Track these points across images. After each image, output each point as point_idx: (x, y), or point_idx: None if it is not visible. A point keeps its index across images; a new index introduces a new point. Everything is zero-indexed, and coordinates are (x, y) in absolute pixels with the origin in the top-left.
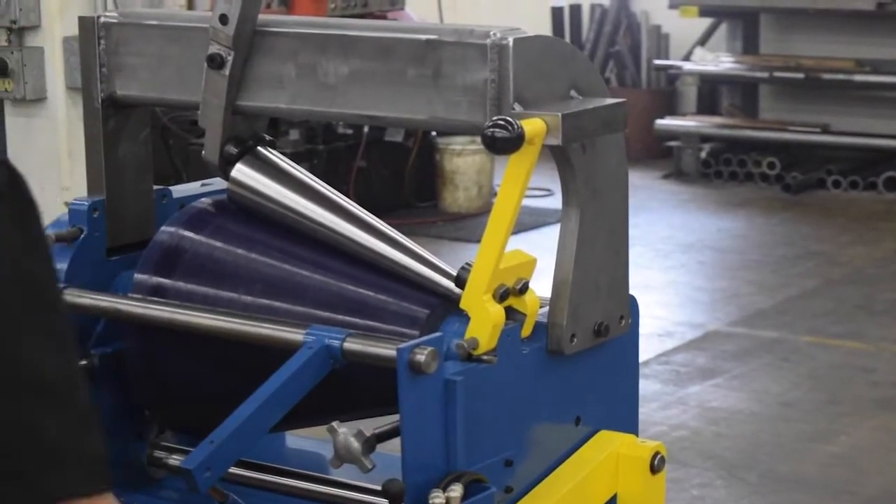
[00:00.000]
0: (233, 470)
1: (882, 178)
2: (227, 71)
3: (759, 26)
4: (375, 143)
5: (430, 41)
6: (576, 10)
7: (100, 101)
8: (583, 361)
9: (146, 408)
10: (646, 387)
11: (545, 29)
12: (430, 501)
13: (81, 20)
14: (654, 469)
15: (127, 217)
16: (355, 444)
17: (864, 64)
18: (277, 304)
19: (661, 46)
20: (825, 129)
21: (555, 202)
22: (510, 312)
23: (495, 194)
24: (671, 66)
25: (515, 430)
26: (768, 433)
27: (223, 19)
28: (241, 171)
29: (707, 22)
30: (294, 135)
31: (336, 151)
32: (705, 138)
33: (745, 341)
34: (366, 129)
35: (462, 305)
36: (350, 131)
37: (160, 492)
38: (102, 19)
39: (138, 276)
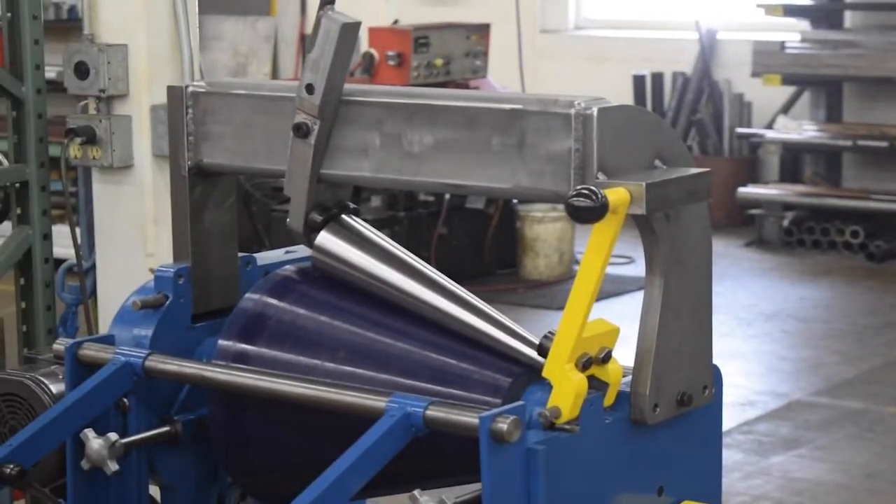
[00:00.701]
0: None
1: None
2: (312, 140)
3: (843, 94)
4: (456, 210)
5: (515, 111)
6: (658, 78)
7: (187, 169)
8: (665, 431)
9: (228, 474)
10: (728, 456)
11: (627, 97)
12: None
13: (170, 90)
14: None
15: (212, 284)
16: None
17: None
18: (360, 371)
19: (743, 115)
20: None
21: (636, 270)
22: (593, 381)
23: (576, 261)
24: (753, 135)
25: (598, 500)
26: None
27: (310, 89)
28: (325, 239)
29: (790, 90)
30: (375, 201)
31: (417, 218)
32: (788, 206)
33: (828, 411)
34: (447, 196)
35: (545, 374)
36: (431, 198)
37: None
38: (191, 89)
39: (222, 343)
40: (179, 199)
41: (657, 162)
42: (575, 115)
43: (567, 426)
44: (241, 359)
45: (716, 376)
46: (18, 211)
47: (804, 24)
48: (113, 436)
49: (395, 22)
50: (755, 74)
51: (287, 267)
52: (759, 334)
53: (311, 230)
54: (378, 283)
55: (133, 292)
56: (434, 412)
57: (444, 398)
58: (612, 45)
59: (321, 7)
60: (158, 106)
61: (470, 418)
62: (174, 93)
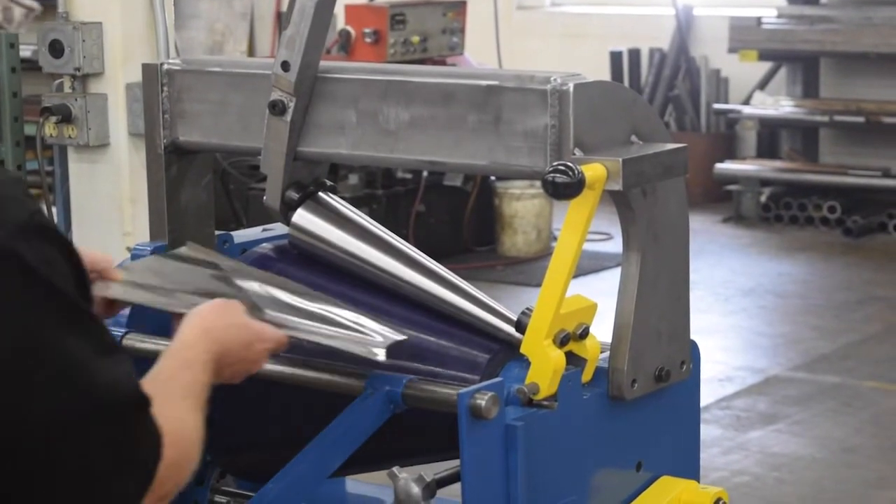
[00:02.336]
0: None
1: None
2: (288, 117)
3: (819, 70)
4: (434, 188)
5: (491, 87)
6: (634, 54)
7: (163, 147)
8: (644, 407)
9: (207, 452)
10: (706, 432)
11: (604, 73)
12: None
13: (145, 67)
14: None
15: None
16: (416, 490)
17: None
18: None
19: (720, 90)
20: (886, 173)
21: (613, 246)
22: (571, 357)
23: (554, 238)
24: (731, 111)
25: (576, 476)
26: (831, 479)
27: (285, 66)
28: (302, 217)
29: (767, 66)
30: (353, 179)
31: (395, 196)
32: (765, 182)
33: (806, 386)
34: (425, 173)
35: (523, 350)
36: (409, 176)
37: None
38: (166, 66)
39: None
40: (155, 178)
41: (634, 138)
42: (551, 91)
43: (545, 402)
44: None
45: (693, 352)
46: None
47: (780, 0)
48: None
49: None
50: (732, 50)
51: (264, 245)
52: (737, 310)
53: (288, 208)
54: (356, 260)
55: None
56: (412, 389)
57: (422, 375)
58: (589, 21)
59: None
60: (134, 84)
61: (448, 395)
62: (149, 71)
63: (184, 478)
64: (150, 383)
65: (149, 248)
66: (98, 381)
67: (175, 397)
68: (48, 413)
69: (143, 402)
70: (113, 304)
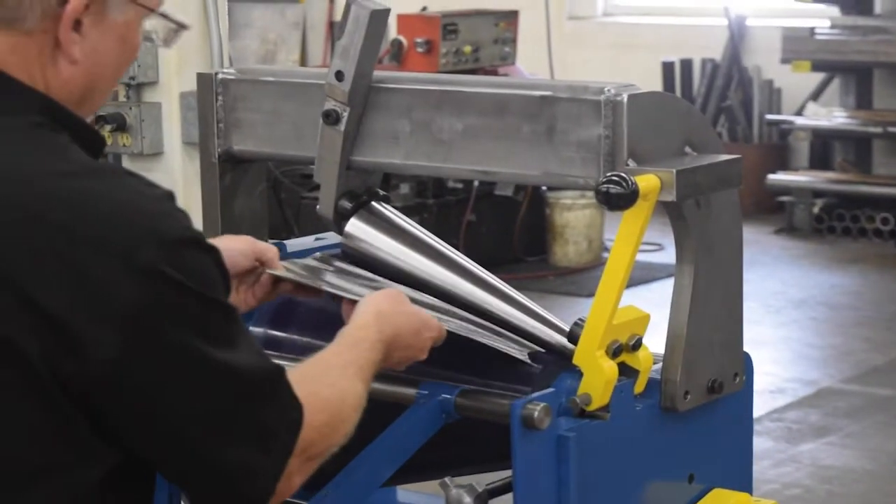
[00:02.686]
0: None
1: None
2: (342, 127)
3: (873, 81)
4: (485, 197)
5: (545, 97)
6: (687, 64)
7: (217, 156)
8: (696, 418)
9: None
10: (758, 444)
11: (656, 84)
12: None
13: (200, 77)
14: None
15: None
16: (467, 500)
17: None
18: None
19: (772, 101)
20: None
21: (665, 257)
22: (623, 369)
23: (605, 248)
24: (783, 121)
25: (628, 487)
26: (882, 492)
27: (339, 76)
28: (355, 226)
29: (819, 77)
30: (404, 189)
31: (446, 205)
32: (818, 193)
33: (858, 399)
34: (476, 183)
35: (575, 361)
36: (460, 185)
37: None
38: (220, 76)
39: (254, 330)
40: (209, 187)
41: (687, 149)
42: (605, 102)
43: (598, 413)
44: (272, 345)
45: (746, 363)
46: None
47: (834, 10)
48: None
49: (424, 9)
50: (785, 61)
51: (317, 254)
52: (789, 322)
53: (341, 217)
54: (408, 269)
55: None
56: (465, 399)
57: (474, 385)
58: (641, 31)
59: None
60: (188, 93)
61: (501, 405)
62: (204, 80)
63: (337, 440)
64: (317, 358)
65: None
66: (240, 373)
67: (335, 368)
68: (192, 412)
69: (276, 379)
70: (276, 287)
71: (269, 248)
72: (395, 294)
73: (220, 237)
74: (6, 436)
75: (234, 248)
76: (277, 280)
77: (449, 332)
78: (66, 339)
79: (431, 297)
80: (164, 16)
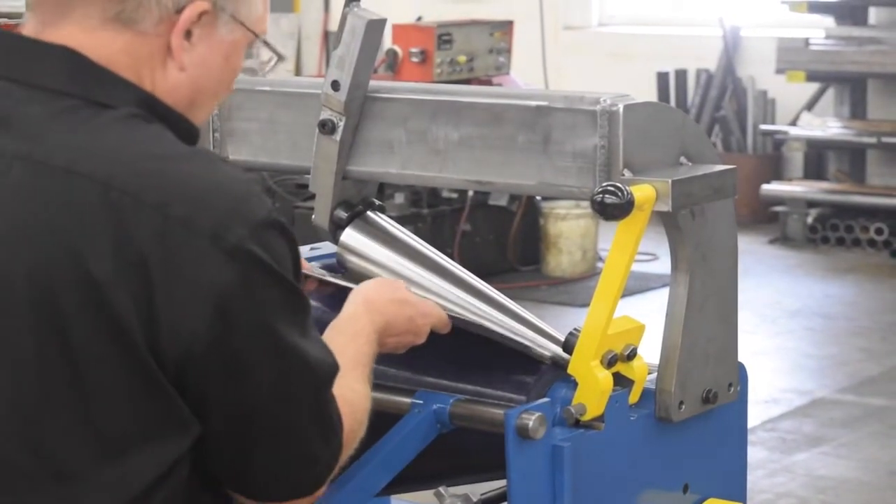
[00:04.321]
0: None
1: None
2: (338, 136)
3: (867, 91)
4: (480, 207)
5: (541, 107)
6: (681, 75)
7: None
8: (691, 429)
9: None
10: (752, 454)
11: (650, 94)
12: None
13: None
14: None
15: None
16: None
17: None
18: (384, 368)
19: (767, 111)
20: None
21: (660, 267)
22: (618, 379)
23: (600, 258)
24: (777, 132)
25: (623, 497)
26: (877, 502)
27: (335, 85)
28: (350, 236)
29: (814, 87)
30: (399, 198)
31: (440, 215)
32: (812, 203)
33: (853, 409)
34: (470, 192)
35: (570, 371)
36: (455, 195)
37: None
38: None
39: None
40: None
41: (682, 159)
42: (600, 112)
43: (592, 423)
44: None
45: (741, 374)
46: None
47: (828, 21)
48: None
49: (419, 19)
50: (779, 71)
51: (312, 263)
52: (784, 331)
53: (337, 227)
54: (403, 279)
55: None
56: (459, 408)
57: (469, 395)
58: (636, 41)
59: (347, 4)
60: None
61: (495, 414)
62: None
63: (353, 447)
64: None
65: None
66: (309, 362)
67: (346, 369)
68: (268, 393)
69: (336, 374)
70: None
71: None
72: (387, 282)
73: None
74: (106, 404)
75: None
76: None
77: (443, 341)
78: (159, 313)
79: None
80: (267, 44)
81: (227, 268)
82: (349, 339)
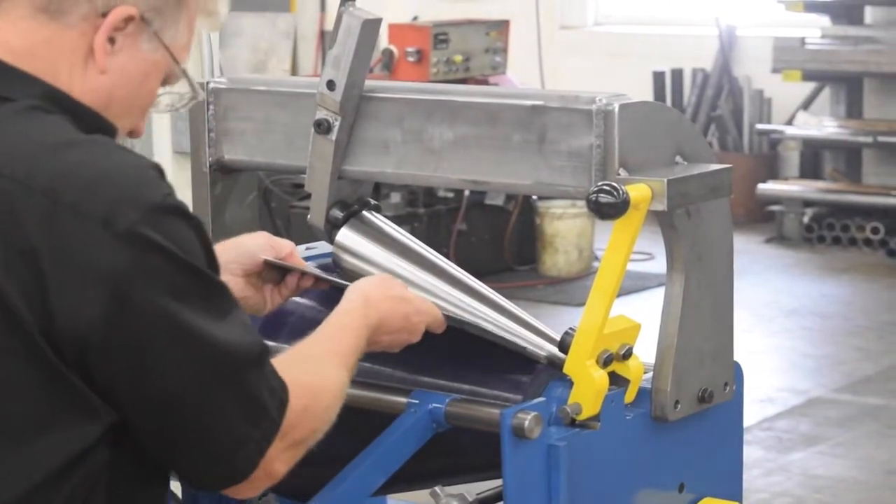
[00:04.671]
0: None
1: None
2: (333, 136)
3: (863, 91)
4: (476, 207)
5: (536, 107)
6: (677, 74)
7: (207, 165)
8: (687, 428)
9: None
10: (748, 453)
11: (647, 93)
12: None
13: None
14: None
15: None
16: None
17: None
18: (380, 367)
19: (763, 111)
20: None
21: (656, 266)
22: (614, 378)
23: (596, 258)
24: (773, 131)
25: (619, 497)
26: (872, 501)
27: (331, 85)
28: (346, 236)
29: (810, 86)
30: (395, 198)
31: (437, 215)
32: (808, 203)
33: (849, 408)
34: (466, 192)
35: (566, 370)
36: (451, 195)
37: None
38: (211, 85)
39: None
40: (200, 196)
41: (678, 158)
42: (596, 112)
43: (588, 422)
44: None
45: (737, 373)
46: None
47: (824, 20)
48: None
49: (415, 18)
50: (775, 70)
51: (308, 263)
52: (780, 331)
53: (332, 226)
54: (399, 279)
55: None
56: (455, 408)
57: (465, 394)
58: (632, 41)
59: (342, 3)
60: None
61: (491, 414)
62: None
63: (318, 428)
64: (300, 345)
65: None
66: (219, 346)
67: (318, 354)
68: (176, 379)
69: (261, 356)
70: (300, 286)
71: (286, 243)
72: (385, 279)
73: (236, 237)
74: (6, 393)
75: (252, 242)
76: (300, 279)
77: (439, 341)
78: (52, 302)
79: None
80: (185, 75)
81: (120, 253)
82: (336, 331)
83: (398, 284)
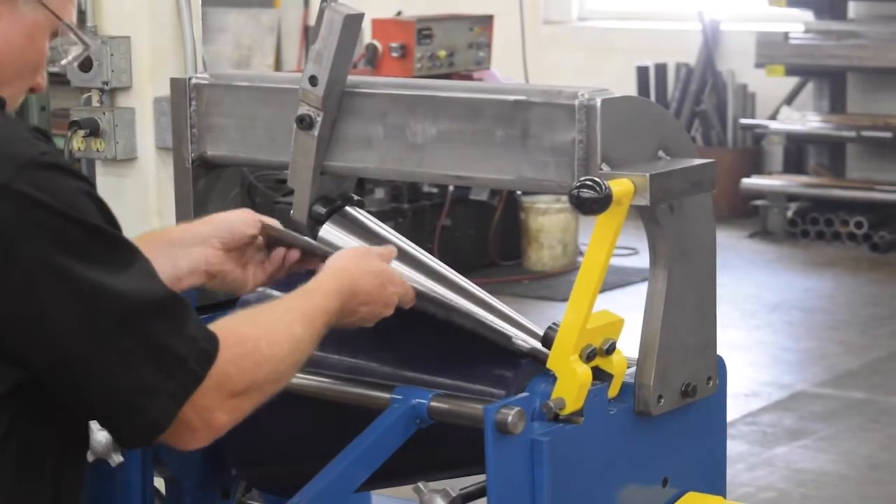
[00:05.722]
0: None
1: None
2: (316, 131)
3: (847, 85)
4: (460, 202)
5: (519, 102)
6: (661, 69)
7: (190, 161)
8: (670, 422)
9: (233, 466)
10: (732, 447)
11: (631, 88)
12: None
13: (173, 82)
14: None
15: None
16: None
17: None
18: (364, 363)
19: (747, 105)
20: None
21: (639, 261)
22: (597, 373)
23: (580, 253)
24: (757, 126)
25: (602, 492)
26: (857, 496)
27: (313, 80)
28: (328, 231)
29: (793, 81)
30: (379, 193)
31: (421, 210)
32: (792, 197)
33: (833, 402)
34: (451, 187)
35: (549, 365)
36: (435, 190)
37: None
38: (194, 81)
39: None
40: (183, 191)
41: (661, 153)
42: (578, 107)
43: (571, 417)
44: None
45: (720, 367)
46: None
47: (808, 15)
48: None
49: (399, 13)
50: (759, 65)
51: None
52: (763, 325)
53: (316, 222)
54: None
55: None
56: (438, 403)
57: (448, 390)
58: (616, 35)
59: None
60: (162, 98)
61: (474, 410)
62: (177, 85)
63: (263, 378)
64: (263, 305)
65: None
66: (115, 296)
67: (272, 308)
68: (73, 332)
69: (168, 304)
70: (285, 263)
71: (270, 219)
72: (363, 251)
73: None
74: None
75: (234, 217)
76: (287, 253)
77: (423, 336)
78: None
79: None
80: (71, 28)
81: None
82: (302, 291)
83: (375, 257)
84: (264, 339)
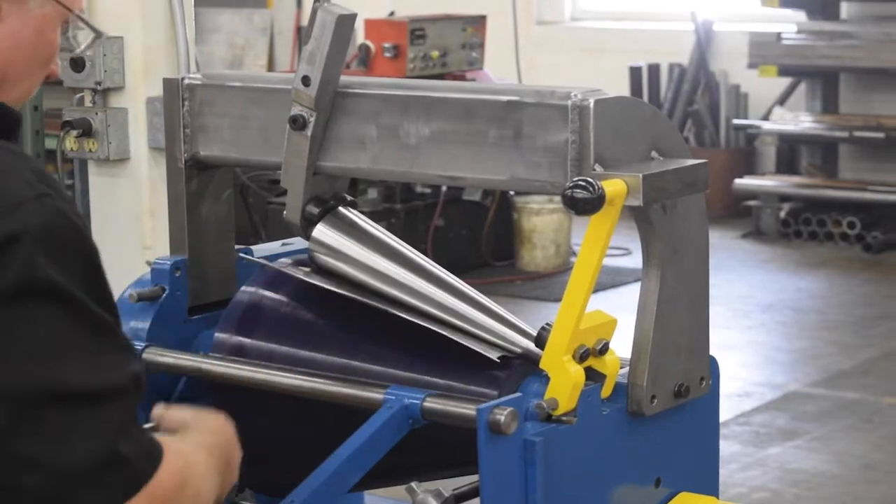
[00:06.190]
0: None
1: None
2: (309, 132)
3: (839, 86)
4: (453, 202)
5: (512, 102)
6: (654, 69)
7: (183, 161)
8: (663, 422)
9: None
10: (725, 448)
11: (624, 89)
12: None
13: (166, 82)
14: None
15: (209, 276)
16: None
17: None
18: (357, 363)
19: (739, 106)
20: None
21: (632, 261)
22: (590, 373)
23: (573, 253)
24: (750, 126)
25: (595, 492)
26: (850, 496)
27: (306, 81)
28: (321, 232)
29: (786, 81)
30: (372, 193)
31: (414, 210)
32: (784, 198)
33: (825, 402)
34: (444, 188)
35: (542, 366)
36: (428, 190)
37: None
38: (187, 81)
39: (219, 335)
40: (176, 192)
41: (654, 153)
42: (571, 107)
43: (564, 417)
44: (238, 351)
45: (713, 367)
46: None
47: (800, 16)
48: None
49: (392, 14)
50: (751, 65)
51: (284, 259)
52: (756, 325)
53: (308, 223)
54: (375, 275)
55: (130, 285)
56: (431, 403)
57: (441, 390)
58: (609, 36)
59: None
60: (154, 98)
61: (467, 410)
62: (170, 85)
63: None
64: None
65: (169, 262)
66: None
67: (202, 448)
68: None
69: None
70: None
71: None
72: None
73: None
74: None
75: None
76: None
77: (418, 332)
78: None
79: (405, 295)
80: (81, 18)
81: None
82: (215, 444)
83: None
84: (200, 474)
